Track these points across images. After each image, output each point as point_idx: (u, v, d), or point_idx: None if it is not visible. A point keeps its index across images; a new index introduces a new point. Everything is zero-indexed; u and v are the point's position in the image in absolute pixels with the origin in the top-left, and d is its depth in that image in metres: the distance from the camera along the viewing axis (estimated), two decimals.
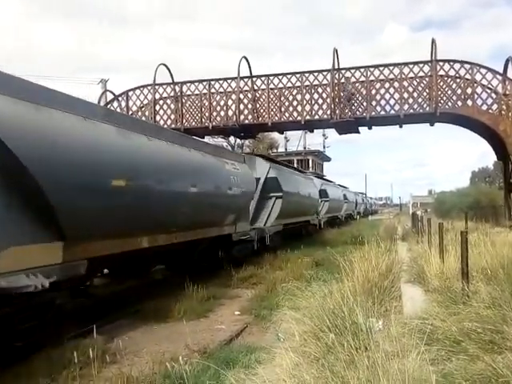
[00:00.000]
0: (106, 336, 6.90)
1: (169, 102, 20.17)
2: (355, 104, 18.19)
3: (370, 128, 19.50)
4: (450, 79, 17.60)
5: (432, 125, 19.31)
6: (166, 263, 12.60)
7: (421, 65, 17.96)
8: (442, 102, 17.58)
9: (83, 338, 6.56)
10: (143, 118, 19.30)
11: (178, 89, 20.04)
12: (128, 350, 6.65)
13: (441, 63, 17.73)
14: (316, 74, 18.73)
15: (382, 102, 18.17)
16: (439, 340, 4.72)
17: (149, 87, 20.13)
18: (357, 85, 18.26)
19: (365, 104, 18.17)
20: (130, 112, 20.03)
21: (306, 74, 18.80)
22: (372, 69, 18.28)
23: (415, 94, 17.89)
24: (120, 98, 20.53)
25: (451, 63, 17.69)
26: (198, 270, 12.45)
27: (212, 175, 11.97)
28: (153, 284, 11.55)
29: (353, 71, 18.40)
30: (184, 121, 19.73)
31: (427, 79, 17.80)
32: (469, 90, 17.46)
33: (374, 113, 18.13)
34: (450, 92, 17.60)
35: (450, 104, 17.58)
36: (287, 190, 18.37)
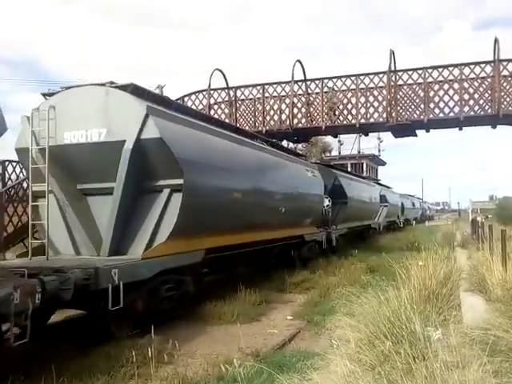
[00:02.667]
0: (162, 336, 7.04)
1: (223, 106, 20.43)
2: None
3: (427, 131, 18.93)
4: None
5: (494, 127, 18.51)
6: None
7: (482, 65, 17.27)
8: (505, 103, 16.84)
9: (140, 337, 6.73)
10: None
11: (232, 93, 20.26)
12: (183, 351, 6.77)
13: (504, 63, 16.99)
14: (372, 76, 18.40)
15: (441, 104, 17.62)
16: (503, 352, 4.51)
17: (204, 92, 20.47)
18: (414, 87, 17.79)
19: (422, 106, 17.68)
20: None
21: (362, 77, 18.49)
22: (430, 70, 17.76)
23: (476, 96, 17.22)
24: None
25: None
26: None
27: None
28: (207, 286, 11.69)
29: (410, 73, 17.94)
30: (238, 125, 19.91)
31: (489, 80, 17.11)
32: None
33: (431, 115, 17.60)
34: None
35: None
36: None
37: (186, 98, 20.72)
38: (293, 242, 14.36)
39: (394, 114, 17.69)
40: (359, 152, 46.30)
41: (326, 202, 17.95)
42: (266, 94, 19.68)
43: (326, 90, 18.73)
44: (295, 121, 19.15)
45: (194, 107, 19.91)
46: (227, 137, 10.54)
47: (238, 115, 19.99)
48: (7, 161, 10.80)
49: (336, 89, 18.78)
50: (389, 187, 39.90)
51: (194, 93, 20.68)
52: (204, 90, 20.43)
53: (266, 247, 12.42)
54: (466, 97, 17.30)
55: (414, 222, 52.72)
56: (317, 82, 19.21)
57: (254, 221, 10.96)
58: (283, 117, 19.38)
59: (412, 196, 59.90)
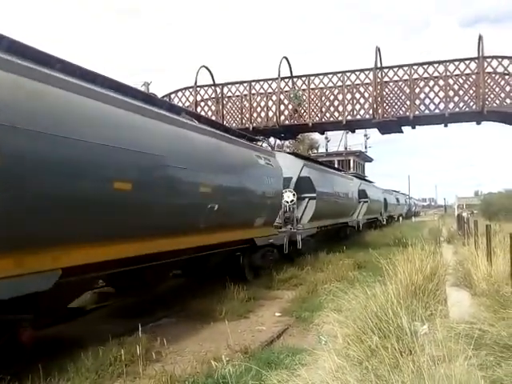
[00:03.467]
0: (150, 334, 7.02)
1: (210, 103, 20.37)
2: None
3: (413, 127, 19.07)
4: (498, 76, 17.01)
5: (479, 124, 18.69)
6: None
7: (467, 62, 17.43)
8: (489, 99, 17.01)
9: (128, 335, 6.70)
10: None
11: (218, 90, 20.22)
12: (171, 349, 6.76)
13: (488, 60, 17.16)
14: (358, 73, 18.47)
15: (427, 101, 17.75)
16: (488, 345, 4.57)
17: (190, 89, 20.39)
18: (400, 83, 17.91)
19: (408, 103, 17.80)
20: None
21: (348, 74, 18.56)
22: (416, 67, 17.88)
23: (461, 92, 17.38)
24: None
25: (499, 59, 17.08)
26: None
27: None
28: (194, 284, 11.67)
29: (396, 69, 18.06)
30: (225, 122, 19.87)
31: (474, 76, 17.27)
32: None
33: (417, 112, 17.73)
34: (497, 89, 17.00)
35: (497, 102, 16.98)
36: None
37: (172, 95, 20.63)
38: (240, 247, 11.26)
39: (380, 111, 17.80)
40: (346, 149, 46.52)
41: (290, 197, 15.66)
42: (253, 91, 19.67)
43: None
44: (282, 118, 19.17)
45: (180, 104, 19.86)
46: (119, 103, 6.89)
47: (224, 112, 19.95)
48: None
49: (322, 85, 18.83)
50: (370, 181, 37.61)
51: (181, 90, 20.60)
52: (190, 87, 20.36)
53: (197, 256, 9.27)
54: (451, 93, 17.46)
55: (401, 218, 52.95)
56: (303, 78, 19.25)
57: (160, 223, 7.51)
58: (270, 114, 19.39)
59: (397, 192, 57.96)
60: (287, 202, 15.60)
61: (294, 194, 15.86)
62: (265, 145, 37.37)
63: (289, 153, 19.74)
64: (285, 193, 15.09)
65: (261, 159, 12.30)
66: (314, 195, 16.82)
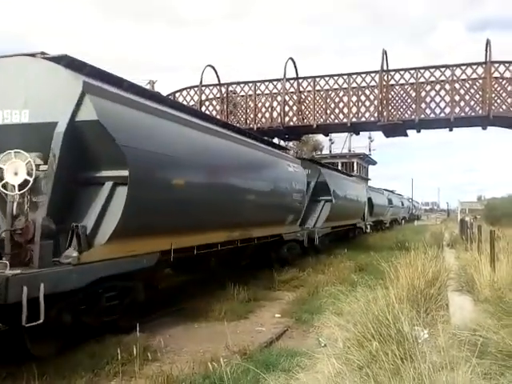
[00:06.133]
0: (148, 333, 6.96)
1: (214, 103, 20.32)
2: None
3: (418, 131, 18.99)
4: (505, 81, 16.91)
5: (484, 129, 18.60)
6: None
7: (474, 66, 17.33)
8: (495, 104, 16.91)
9: (126, 334, 6.64)
10: None
11: (224, 90, 20.16)
12: (169, 349, 6.69)
13: (496, 65, 17.06)
14: (364, 75, 18.40)
15: (432, 105, 17.66)
16: (491, 353, 4.48)
17: (195, 88, 20.34)
18: (406, 87, 17.82)
19: (414, 106, 17.70)
20: None
21: (354, 76, 18.49)
22: (422, 70, 17.80)
23: (467, 97, 17.28)
24: None
25: (506, 64, 16.98)
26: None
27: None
28: (194, 283, 11.62)
29: (402, 73, 17.97)
30: (229, 122, 19.82)
31: (480, 81, 17.16)
32: None
33: (423, 115, 17.64)
34: (504, 95, 16.90)
35: (504, 107, 16.88)
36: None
37: (177, 94, 20.60)
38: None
39: (385, 114, 17.72)
40: (350, 151, 46.46)
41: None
42: (258, 91, 19.61)
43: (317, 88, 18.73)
44: (286, 119, 19.11)
45: (185, 103, 19.81)
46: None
47: (229, 112, 19.89)
48: None
49: (327, 87, 18.75)
50: (351, 175, 33.62)
51: (185, 88, 20.56)
52: (195, 86, 20.31)
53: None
54: (457, 98, 17.36)
55: (403, 221, 52.69)
56: (309, 80, 19.19)
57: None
58: (274, 114, 19.33)
59: (392, 191, 50.17)
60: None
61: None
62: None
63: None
64: None
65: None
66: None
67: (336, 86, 18.72)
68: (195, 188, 8.49)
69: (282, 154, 14.89)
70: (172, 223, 7.85)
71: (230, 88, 20.07)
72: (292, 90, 19.36)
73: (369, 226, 28.80)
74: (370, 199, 30.10)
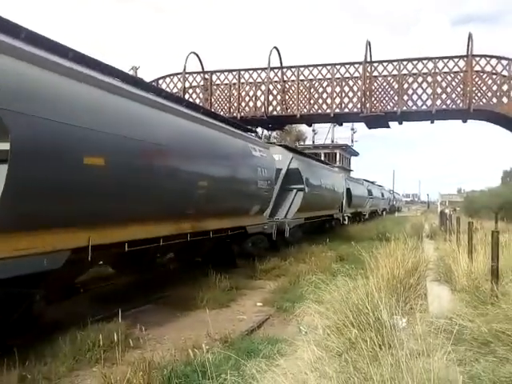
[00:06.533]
0: (130, 321, 6.97)
1: (198, 90, 20.19)
2: (386, 98, 17.86)
3: (400, 123, 19.16)
4: (485, 75, 17.12)
5: (465, 122, 18.84)
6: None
7: (456, 59, 17.49)
8: (476, 98, 17.13)
9: (107, 322, 6.64)
10: None
11: (207, 78, 20.04)
12: (150, 336, 6.73)
13: (477, 58, 17.25)
14: (347, 66, 18.44)
15: (414, 97, 17.81)
16: (466, 340, 4.61)
17: (179, 75, 20.18)
18: (389, 78, 17.93)
19: (396, 98, 17.84)
20: None
21: (337, 66, 18.52)
22: (405, 62, 17.91)
23: (448, 90, 17.46)
24: None
25: (488, 58, 17.18)
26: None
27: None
28: (177, 272, 11.62)
29: (385, 64, 18.06)
30: (213, 110, 19.73)
31: (462, 74, 17.35)
32: (505, 87, 16.95)
33: (405, 107, 17.78)
34: (485, 88, 17.11)
35: (484, 101, 17.10)
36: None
37: (160, 81, 20.41)
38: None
39: (368, 105, 17.82)
40: (333, 142, 46.60)
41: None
42: (242, 80, 19.54)
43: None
44: (270, 108, 19.09)
45: (168, 90, 19.64)
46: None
47: (212, 100, 19.80)
48: None
49: (311, 77, 18.77)
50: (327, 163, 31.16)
51: (169, 75, 20.38)
52: (179, 73, 20.15)
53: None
54: (439, 90, 17.53)
55: (384, 212, 53.17)
56: (293, 69, 19.17)
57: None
58: (258, 103, 19.30)
59: (372, 182, 48.81)
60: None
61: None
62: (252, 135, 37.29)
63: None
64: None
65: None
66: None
67: (320, 76, 18.76)
68: (121, 169, 6.77)
69: (245, 136, 12.77)
70: (88, 213, 6.26)
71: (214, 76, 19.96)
72: (276, 79, 19.33)
73: (347, 218, 27.45)
74: (348, 190, 29.25)
